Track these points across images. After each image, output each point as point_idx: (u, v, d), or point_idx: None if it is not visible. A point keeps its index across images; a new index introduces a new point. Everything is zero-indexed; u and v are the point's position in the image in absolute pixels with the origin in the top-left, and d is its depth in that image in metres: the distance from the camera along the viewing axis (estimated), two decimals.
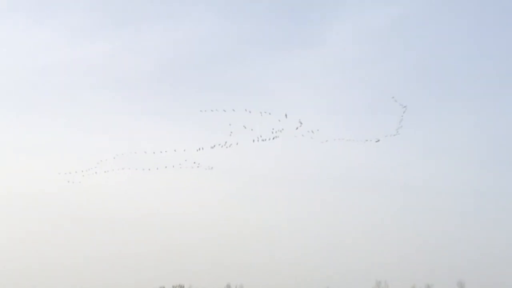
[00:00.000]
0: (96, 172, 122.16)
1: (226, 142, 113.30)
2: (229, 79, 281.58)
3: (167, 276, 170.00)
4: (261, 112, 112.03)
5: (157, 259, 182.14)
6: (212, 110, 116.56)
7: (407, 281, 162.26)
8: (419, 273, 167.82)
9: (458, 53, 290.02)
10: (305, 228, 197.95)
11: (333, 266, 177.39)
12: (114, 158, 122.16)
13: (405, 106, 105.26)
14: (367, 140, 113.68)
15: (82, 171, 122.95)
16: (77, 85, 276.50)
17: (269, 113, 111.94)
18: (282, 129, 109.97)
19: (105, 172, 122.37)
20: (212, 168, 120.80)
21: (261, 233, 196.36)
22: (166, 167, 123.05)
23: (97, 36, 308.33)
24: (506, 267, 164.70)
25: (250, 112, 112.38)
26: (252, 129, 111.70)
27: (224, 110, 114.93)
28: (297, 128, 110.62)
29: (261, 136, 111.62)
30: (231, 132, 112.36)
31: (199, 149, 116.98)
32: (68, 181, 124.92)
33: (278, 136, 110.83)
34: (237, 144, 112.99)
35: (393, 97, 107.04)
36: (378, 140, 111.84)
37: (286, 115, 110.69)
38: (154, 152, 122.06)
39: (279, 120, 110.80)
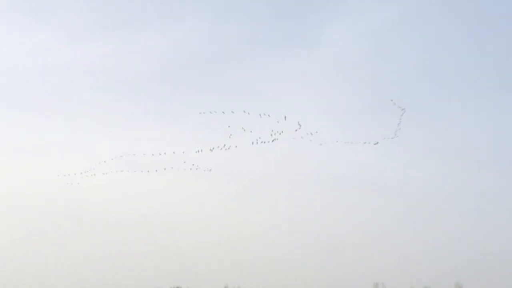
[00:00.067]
0: (94, 174, 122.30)
1: (225, 145, 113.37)
2: (229, 79, 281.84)
3: (165, 277, 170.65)
4: (260, 114, 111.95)
5: (156, 261, 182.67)
6: (211, 112, 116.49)
7: (405, 283, 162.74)
8: (418, 274, 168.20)
9: (458, 53, 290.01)
10: (304, 230, 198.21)
11: (331, 268, 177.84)
12: (112, 159, 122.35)
13: (403, 109, 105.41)
14: (365, 143, 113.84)
15: (81, 173, 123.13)
16: (77, 85, 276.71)
17: (268, 115, 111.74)
18: (282, 132, 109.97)
19: (103, 174, 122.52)
20: (211, 170, 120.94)
21: (259, 234, 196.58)
22: (165, 169, 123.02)
23: (97, 36, 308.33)
24: (505, 268, 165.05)
25: (249, 113, 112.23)
26: (251, 131, 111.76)
27: (223, 112, 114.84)
28: (296, 130, 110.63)
29: (260, 138, 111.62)
30: (230, 135, 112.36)
31: (198, 151, 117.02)
32: (67, 183, 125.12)
33: (277, 139, 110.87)
34: (236, 147, 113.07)
35: (392, 100, 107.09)
36: (377, 143, 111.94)
37: (285, 117, 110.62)
38: (153, 154, 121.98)
39: (278, 122, 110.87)
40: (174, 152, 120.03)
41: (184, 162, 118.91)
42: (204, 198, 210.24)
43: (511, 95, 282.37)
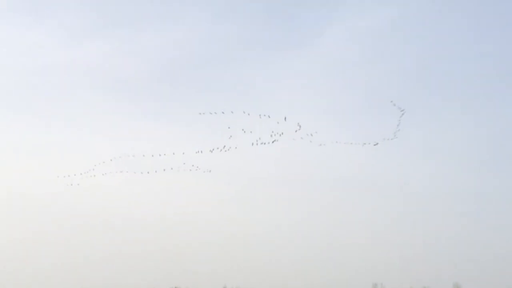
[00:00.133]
0: (94, 175, 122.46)
1: (225, 146, 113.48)
2: (229, 79, 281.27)
3: (164, 277, 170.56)
4: (260, 115, 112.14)
5: (155, 261, 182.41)
6: (211, 113, 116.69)
7: (404, 283, 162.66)
8: (417, 274, 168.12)
9: (458, 53, 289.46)
10: (303, 231, 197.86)
11: (331, 268, 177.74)
12: (111, 160, 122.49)
13: (403, 110, 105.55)
14: (365, 143, 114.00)
15: (81, 174, 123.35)
16: (77, 85, 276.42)
17: (268, 116, 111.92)
18: (282, 133, 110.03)
19: (103, 174, 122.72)
20: (210, 171, 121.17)
21: (259, 235, 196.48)
22: (164, 169, 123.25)
23: (97, 36, 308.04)
24: (505, 269, 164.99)
25: (249, 114, 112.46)
26: (251, 132, 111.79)
27: (223, 113, 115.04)
28: (296, 131, 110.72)
29: (260, 139, 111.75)
30: (230, 136, 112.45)
31: (198, 151, 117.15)
32: (67, 183, 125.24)
33: (277, 140, 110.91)
34: (236, 147, 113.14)
35: (391, 101, 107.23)
36: (377, 144, 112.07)
37: (285, 118, 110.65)
38: (152, 155, 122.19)
39: (278, 123, 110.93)
40: (174, 153, 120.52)
41: (184, 163, 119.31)
42: (204, 199, 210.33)
43: (511, 95, 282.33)
